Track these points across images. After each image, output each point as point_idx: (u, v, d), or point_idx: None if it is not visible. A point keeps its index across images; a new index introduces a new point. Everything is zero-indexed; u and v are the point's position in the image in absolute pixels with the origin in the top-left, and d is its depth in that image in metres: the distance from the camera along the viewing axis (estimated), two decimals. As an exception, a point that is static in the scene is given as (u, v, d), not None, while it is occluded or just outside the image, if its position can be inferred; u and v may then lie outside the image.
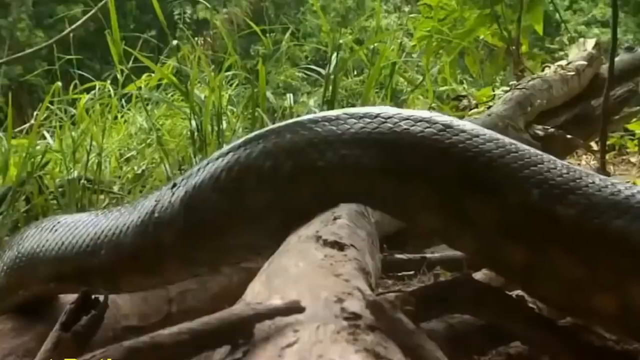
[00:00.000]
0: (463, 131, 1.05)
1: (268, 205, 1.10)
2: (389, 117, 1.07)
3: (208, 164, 1.18)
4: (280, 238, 1.07)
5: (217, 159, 1.17)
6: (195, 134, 2.98)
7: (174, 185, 1.22)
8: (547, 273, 1.01)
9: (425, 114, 1.09)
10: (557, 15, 7.18)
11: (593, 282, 0.99)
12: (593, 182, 1.02)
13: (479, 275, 1.65)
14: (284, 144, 1.10)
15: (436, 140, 1.03)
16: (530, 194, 1.00)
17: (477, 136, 1.05)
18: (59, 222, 1.39)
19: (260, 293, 0.74)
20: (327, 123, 1.10)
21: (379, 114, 1.09)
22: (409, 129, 1.05)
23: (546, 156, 1.06)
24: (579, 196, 1.00)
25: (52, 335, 1.02)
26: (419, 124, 1.06)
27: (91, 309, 1.06)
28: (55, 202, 2.84)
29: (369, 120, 1.08)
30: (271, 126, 1.19)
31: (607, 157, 3.44)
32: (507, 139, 1.07)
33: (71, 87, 3.64)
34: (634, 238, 0.97)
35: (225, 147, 1.20)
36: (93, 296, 1.07)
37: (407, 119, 1.07)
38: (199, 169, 1.19)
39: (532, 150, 1.07)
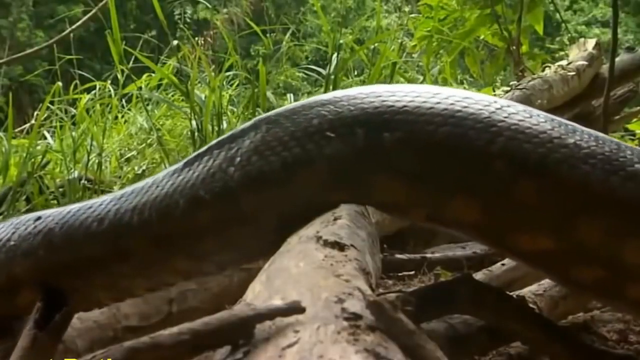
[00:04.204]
0: (287, 113, 1.10)
1: (140, 247, 1.15)
2: (245, 131, 1.13)
3: (79, 210, 1.22)
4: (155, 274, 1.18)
5: (88, 208, 1.21)
6: (196, 134, 2.98)
7: (38, 218, 1.25)
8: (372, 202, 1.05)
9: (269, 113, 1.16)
10: (558, 15, 7.18)
11: (411, 204, 1.03)
12: (419, 95, 1.03)
13: (479, 275, 1.66)
14: (147, 199, 1.15)
15: (263, 136, 1.08)
16: (357, 136, 1.01)
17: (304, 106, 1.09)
18: None
19: (260, 293, 0.74)
20: (179, 174, 1.15)
21: (234, 133, 1.15)
22: (257, 134, 1.10)
23: (369, 90, 1.08)
24: (405, 115, 1.01)
25: (27, 333, 1.03)
26: (254, 130, 1.11)
27: (60, 304, 1.07)
28: (55, 202, 2.85)
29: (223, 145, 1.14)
30: (139, 183, 1.24)
31: (607, 157, 3.42)
32: (336, 95, 1.10)
33: (71, 87, 3.64)
34: (455, 141, 0.98)
35: (100, 199, 1.25)
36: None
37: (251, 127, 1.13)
38: (68, 212, 1.23)
39: (358, 91, 1.09)
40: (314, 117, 1.06)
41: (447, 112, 1.00)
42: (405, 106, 1.02)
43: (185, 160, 1.19)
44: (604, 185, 0.93)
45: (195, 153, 1.18)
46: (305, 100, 1.14)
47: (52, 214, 1.25)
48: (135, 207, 1.15)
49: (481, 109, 1.00)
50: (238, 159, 1.08)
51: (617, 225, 0.94)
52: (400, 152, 1.00)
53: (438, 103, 1.01)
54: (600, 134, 1.01)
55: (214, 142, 1.18)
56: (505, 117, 0.99)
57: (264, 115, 1.18)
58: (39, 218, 1.25)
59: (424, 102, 1.02)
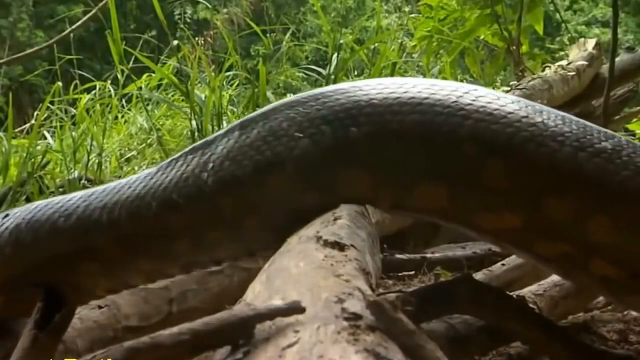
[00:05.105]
0: (258, 118, 1.10)
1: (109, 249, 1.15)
2: (217, 138, 1.14)
3: (47, 205, 1.21)
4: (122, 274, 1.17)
5: (57, 203, 1.21)
6: (196, 134, 2.99)
7: (6, 215, 1.25)
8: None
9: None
10: (558, 15, 7.19)
11: (378, 195, 1.05)
12: (386, 87, 1.04)
13: (479, 275, 1.66)
14: (119, 198, 1.15)
15: (235, 141, 1.09)
16: (324, 135, 1.02)
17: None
18: None
19: (260, 293, 0.74)
20: (152, 177, 1.16)
21: (207, 139, 1.16)
22: (229, 140, 1.11)
23: (335, 88, 1.09)
24: (372, 107, 1.02)
25: (27, 333, 1.03)
26: (227, 136, 1.12)
27: (60, 304, 1.07)
28: (55, 202, 2.84)
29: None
30: (111, 183, 1.24)
31: (607, 157, 3.43)
32: (303, 96, 1.11)
33: (71, 87, 3.65)
34: (424, 128, 0.98)
35: (69, 195, 1.24)
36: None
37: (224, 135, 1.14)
38: (35, 207, 1.22)
39: (325, 90, 1.10)
40: (283, 120, 1.07)
41: (415, 100, 1.00)
42: (372, 99, 1.03)
43: (159, 165, 1.19)
44: (572, 161, 0.94)
45: (169, 159, 1.19)
46: (275, 103, 1.15)
47: (20, 210, 1.24)
48: (105, 205, 1.15)
49: (448, 94, 1.00)
50: (211, 164, 1.09)
51: (585, 202, 0.95)
52: (369, 145, 1.01)
53: (405, 92, 1.02)
54: (567, 114, 1.02)
55: (187, 148, 1.19)
56: (473, 100, 0.99)
57: (237, 121, 1.18)
58: (6, 215, 1.24)
59: (391, 92, 1.03)
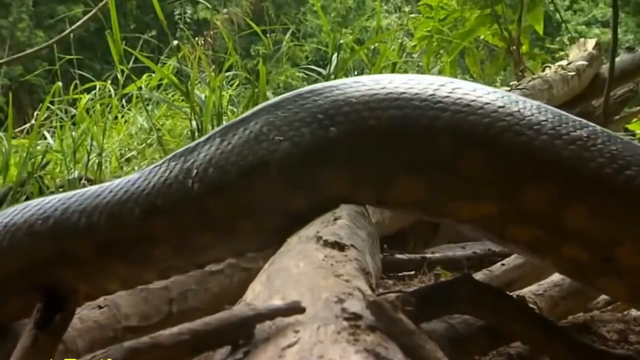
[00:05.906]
0: (239, 125, 1.11)
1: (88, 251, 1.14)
2: (199, 144, 1.14)
3: (25, 207, 1.21)
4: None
5: (35, 205, 1.20)
6: (196, 134, 2.99)
7: None
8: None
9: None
10: (558, 15, 7.19)
11: (360, 194, 1.04)
12: (363, 85, 1.04)
13: (479, 275, 1.66)
14: (99, 202, 1.15)
15: (217, 148, 1.09)
16: (304, 137, 1.02)
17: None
18: None
19: (260, 293, 0.74)
20: (134, 182, 1.15)
21: (189, 146, 1.16)
22: (210, 146, 1.11)
23: (310, 89, 1.10)
24: (350, 106, 1.02)
25: (27, 334, 1.03)
26: (209, 142, 1.12)
27: (60, 304, 1.07)
28: (55, 202, 2.84)
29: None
30: (93, 187, 1.23)
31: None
32: (282, 98, 1.11)
33: (71, 87, 3.65)
34: (402, 123, 0.99)
35: (47, 198, 1.23)
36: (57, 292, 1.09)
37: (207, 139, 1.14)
38: (15, 209, 1.22)
39: (301, 91, 1.10)
40: (263, 125, 1.07)
41: (392, 95, 1.01)
42: (349, 98, 1.03)
43: (141, 171, 1.19)
44: (549, 149, 0.95)
45: (152, 165, 1.18)
46: (254, 108, 1.15)
47: (0, 214, 1.23)
48: (84, 209, 1.14)
49: (425, 88, 1.01)
50: (195, 171, 1.09)
51: (561, 189, 0.95)
52: (348, 144, 1.01)
53: (382, 88, 1.02)
54: (543, 104, 1.03)
55: (169, 155, 1.18)
56: (450, 93, 1.00)
57: (217, 128, 1.18)
58: None
59: (368, 90, 1.03)
